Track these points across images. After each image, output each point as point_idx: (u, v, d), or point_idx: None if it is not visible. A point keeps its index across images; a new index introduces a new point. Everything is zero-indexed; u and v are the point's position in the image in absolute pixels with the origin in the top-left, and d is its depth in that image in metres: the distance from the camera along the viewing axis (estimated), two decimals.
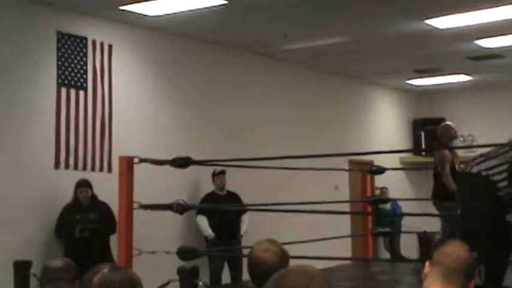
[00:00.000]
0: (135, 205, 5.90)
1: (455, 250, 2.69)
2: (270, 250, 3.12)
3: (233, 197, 8.54)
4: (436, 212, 7.40)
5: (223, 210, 8.23)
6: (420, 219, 12.92)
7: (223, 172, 8.48)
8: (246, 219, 8.53)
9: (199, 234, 8.43)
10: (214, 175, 8.53)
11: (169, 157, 6.15)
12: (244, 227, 8.49)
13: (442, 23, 8.73)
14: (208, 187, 8.65)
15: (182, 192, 7.89)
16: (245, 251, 8.71)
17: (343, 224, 11.11)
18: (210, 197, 8.47)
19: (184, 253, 5.61)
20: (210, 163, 7.12)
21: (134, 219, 5.99)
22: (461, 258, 2.63)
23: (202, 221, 8.36)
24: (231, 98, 9.78)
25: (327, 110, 11.72)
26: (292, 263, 2.31)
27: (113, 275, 2.04)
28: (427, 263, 2.68)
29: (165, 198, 6.20)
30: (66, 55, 7.52)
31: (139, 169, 6.12)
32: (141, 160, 6.02)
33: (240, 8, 7.86)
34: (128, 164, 5.98)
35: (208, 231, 8.30)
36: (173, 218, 7.24)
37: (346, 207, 11.59)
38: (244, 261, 8.11)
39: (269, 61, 10.45)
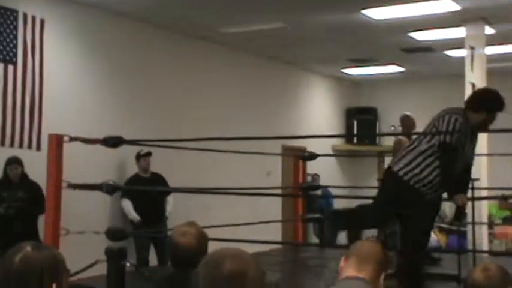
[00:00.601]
0: (64, 184, 5.77)
1: (367, 243, 2.94)
2: (187, 233, 3.14)
3: (158, 179, 8.43)
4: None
5: (149, 192, 8.14)
6: (349, 205, 13.15)
7: (148, 154, 8.37)
8: (171, 201, 8.46)
9: (126, 217, 8.34)
10: (140, 156, 8.40)
11: (100, 136, 6.03)
12: (169, 208, 8.42)
13: (378, 14, 8.86)
14: (134, 169, 8.55)
15: (109, 173, 7.77)
16: (171, 233, 8.70)
17: (274, 210, 11.21)
18: (134, 180, 8.36)
19: (112, 234, 5.53)
20: (141, 143, 7.03)
21: (64, 199, 5.87)
22: (372, 249, 2.85)
23: (127, 205, 8.27)
24: (165, 80, 9.69)
25: (261, 95, 11.76)
26: (221, 246, 2.31)
27: (36, 253, 1.97)
28: (342, 257, 2.85)
29: (91, 178, 6.09)
30: None
31: (69, 148, 5.99)
32: (72, 138, 5.88)
33: None
34: (57, 141, 5.83)
35: (133, 214, 8.21)
36: (101, 199, 7.14)
37: (278, 193, 11.70)
38: None
39: (206, 44, 10.39)
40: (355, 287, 2.70)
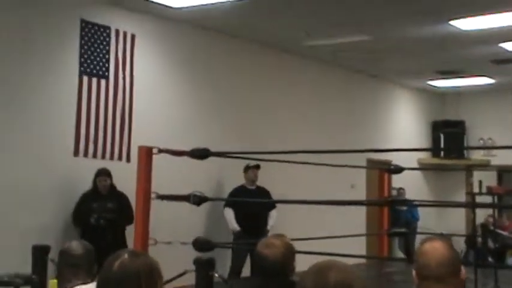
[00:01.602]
0: (153, 195, 5.92)
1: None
2: (272, 245, 3.15)
3: (263, 192, 8.51)
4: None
5: (251, 204, 8.24)
6: (437, 221, 12.88)
7: (257, 166, 8.47)
8: (274, 215, 8.52)
9: (227, 226, 8.48)
10: (248, 168, 8.52)
11: (188, 149, 6.16)
12: (271, 222, 8.47)
13: (466, 24, 8.66)
14: (232, 181, 8.68)
15: (205, 185, 7.88)
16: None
17: (359, 224, 11.10)
18: (239, 190, 8.48)
19: (199, 244, 5.62)
20: (228, 155, 7.13)
21: (157, 210, 6.02)
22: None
23: (229, 214, 8.40)
24: (251, 93, 9.79)
25: (347, 108, 11.69)
26: (310, 259, 2.31)
27: (133, 260, 2.06)
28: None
29: (187, 189, 6.19)
30: (89, 44, 7.56)
31: (159, 160, 6.14)
32: (160, 150, 6.03)
33: (263, 3, 7.85)
34: (146, 153, 6.00)
35: (233, 224, 8.33)
36: (201, 209, 7.24)
37: (362, 207, 11.57)
38: None
39: (291, 57, 10.44)
40: None
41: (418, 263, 2.50)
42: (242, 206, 8.30)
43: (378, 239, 11.53)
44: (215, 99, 9.21)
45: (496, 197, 7.93)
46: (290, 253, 3.20)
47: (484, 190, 8.66)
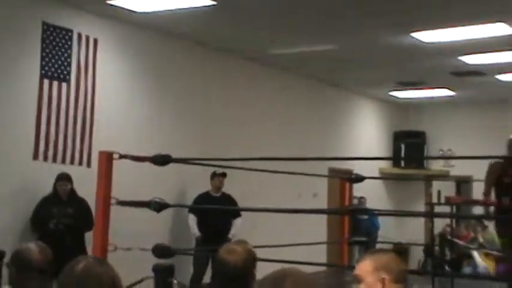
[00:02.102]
0: (113, 201, 5.85)
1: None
2: (234, 251, 3.15)
3: (227, 200, 8.50)
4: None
5: (215, 211, 8.23)
6: (396, 230, 13.02)
7: (223, 174, 8.47)
8: (238, 224, 8.50)
9: (187, 233, 8.46)
10: (214, 175, 8.52)
11: (151, 154, 6.11)
12: (233, 231, 8.44)
13: (428, 37, 8.80)
14: (194, 187, 8.65)
15: (166, 191, 7.83)
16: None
17: (320, 232, 11.15)
18: (203, 197, 8.47)
19: (159, 251, 5.57)
20: (190, 162, 7.10)
21: (121, 216, 5.96)
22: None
23: (191, 221, 8.41)
24: (217, 100, 9.78)
25: (310, 117, 11.76)
26: (271, 266, 2.31)
27: (98, 265, 2.05)
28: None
29: (149, 195, 6.14)
30: (50, 47, 7.47)
31: (120, 165, 6.08)
32: (121, 156, 5.97)
33: (228, 10, 7.86)
34: (107, 159, 5.92)
35: (195, 230, 8.34)
36: (164, 215, 7.20)
37: (324, 216, 11.64)
38: None
39: (255, 65, 10.47)
40: None
41: None
42: (205, 213, 8.29)
43: (338, 248, 11.58)
44: (178, 106, 9.18)
45: (454, 207, 8.05)
46: (251, 259, 3.20)
47: (442, 200, 8.78)
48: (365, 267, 2.60)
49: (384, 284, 2.55)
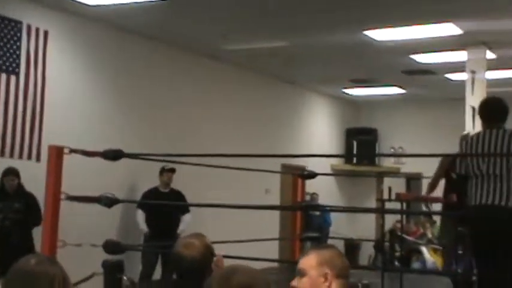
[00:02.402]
0: (62, 196, 5.76)
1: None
2: (191, 245, 3.11)
3: (176, 195, 8.45)
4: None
5: (163, 206, 8.16)
6: (348, 226, 13.16)
7: (172, 170, 8.40)
8: (187, 219, 8.47)
9: (137, 229, 8.38)
10: (163, 171, 8.45)
11: (102, 149, 6.03)
12: (182, 227, 8.41)
13: (380, 35, 8.91)
14: (145, 183, 8.57)
15: (117, 187, 7.74)
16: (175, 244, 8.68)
17: (272, 228, 11.19)
18: (152, 193, 8.39)
19: (110, 247, 5.50)
20: (141, 157, 7.04)
21: (68, 212, 5.86)
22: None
23: (139, 216, 8.34)
24: (167, 95, 9.71)
25: (263, 113, 11.78)
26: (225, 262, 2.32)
27: (49, 263, 2.05)
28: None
29: (101, 191, 6.07)
30: None
31: (70, 160, 5.99)
32: (72, 150, 5.88)
33: (180, 5, 7.81)
34: (57, 153, 5.82)
35: (142, 226, 8.26)
36: (112, 211, 7.11)
37: (276, 212, 11.69)
38: None
39: (208, 61, 10.43)
40: None
41: None
42: (154, 209, 8.22)
43: (290, 244, 11.65)
44: (130, 100, 9.09)
45: (404, 204, 8.14)
46: (209, 254, 3.16)
47: (393, 197, 8.90)
48: (309, 261, 2.62)
49: (327, 279, 2.57)
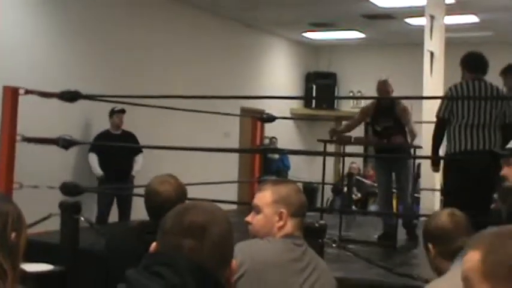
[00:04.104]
0: (18, 137, 5.68)
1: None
2: (166, 183, 3.13)
3: (128, 137, 8.37)
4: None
5: (114, 149, 8.09)
6: (307, 170, 13.31)
7: (122, 111, 8.30)
8: (140, 160, 8.42)
9: (92, 172, 8.31)
10: (113, 113, 8.34)
11: (57, 90, 5.93)
12: (136, 168, 8.38)
13: None
14: (100, 126, 8.48)
15: (73, 129, 7.66)
16: (135, 191, 8.67)
17: (231, 172, 11.25)
18: (104, 136, 8.30)
19: (67, 188, 5.48)
20: (99, 98, 6.95)
21: (24, 154, 5.80)
22: None
23: (93, 160, 8.26)
24: (126, 37, 9.54)
25: (222, 56, 11.69)
26: None
27: (2, 203, 2.00)
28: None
29: (54, 133, 6.00)
30: None
31: (26, 101, 5.88)
32: (27, 91, 5.78)
33: None
34: (12, 94, 5.73)
35: (97, 169, 8.21)
36: (66, 154, 7.06)
37: (235, 155, 11.75)
38: (134, 200, 8.11)
39: (167, 2, 10.25)
40: None
41: None
42: (106, 151, 8.15)
43: (249, 187, 11.75)
44: (86, 41, 8.89)
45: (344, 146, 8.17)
46: (183, 193, 3.17)
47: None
48: (264, 198, 2.56)
49: (281, 217, 2.52)
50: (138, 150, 8.39)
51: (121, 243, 3.16)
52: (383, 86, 6.78)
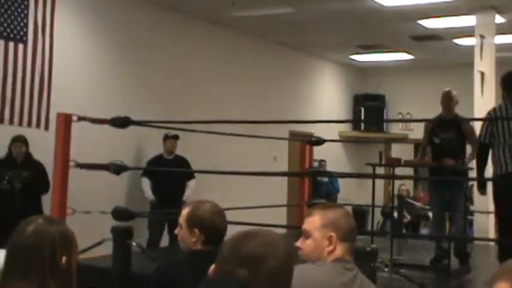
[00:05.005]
0: (71, 163, 5.79)
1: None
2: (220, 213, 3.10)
3: (180, 162, 8.45)
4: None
5: (168, 174, 8.19)
6: (356, 193, 13.19)
7: (175, 137, 8.41)
8: (192, 185, 8.49)
9: (143, 197, 8.42)
10: (167, 138, 8.45)
11: (110, 116, 6.05)
12: (187, 193, 8.45)
13: (387, 0, 8.82)
14: (151, 150, 8.60)
15: (124, 154, 7.78)
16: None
17: (280, 195, 11.24)
18: (156, 160, 8.41)
19: (119, 213, 5.55)
20: (148, 124, 7.05)
21: (75, 179, 5.91)
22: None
23: (145, 184, 8.37)
24: (176, 63, 9.69)
25: (270, 80, 11.74)
26: (232, 229, 2.28)
27: (48, 226, 2.02)
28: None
29: (106, 159, 6.10)
30: (6, 6, 7.27)
31: (79, 128, 6.01)
32: (80, 118, 5.89)
33: None
34: (65, 121, 5.84)
35: (148, 193, 8.30)
36: (118, 179, 7.17)
37: (284, 179, 11.73)
38: None
39: (216, 28, 10.38)
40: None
41: None
42: (159, 176, 8.24)
43: (298, 210, 11.70)
44: (138, 67, 9.07)
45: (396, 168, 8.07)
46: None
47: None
48: (313, 222, 2.53)
49: (331, 242, 2.49)
50: (191, 175, 8.47)
51: (175, 270, 3.16)
52: (446, 96, 6.70)
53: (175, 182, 8.34)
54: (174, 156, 8.52)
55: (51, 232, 2.00)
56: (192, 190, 8.47)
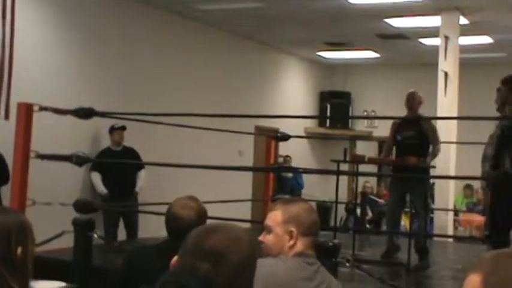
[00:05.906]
0: (32, 154, 5.70)
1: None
2: (187, 206, 3.11)
3: (130, 153, 8.33)
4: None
5: (118, 166, 8.07)
6: (320, 189, 13.26)
7: (122, 128, 8.30)
8: (142, 176, 8.40)
9: (95, 190, 8.31)
10: (113, 130, 8.32)
11: (71, 107, 5.97)
12: (140, 184, 8.37)
13: None
14: (108, 142, 8.51)
15: (82, 146, 7.68)
16: (140, 208, 8.67)
17: (245, 190, 11.23)
18: (105, 153, 8.30)
19: (81, 206, 5.48)
20: (113, 116, 6.98)
21: (32, 170, 5.81)
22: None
23: (95, 178, 8.24)
24: (141, 55, 9.60)
25: (236, 75, 11.72)
26: None
27: (2, 216, 1.98)
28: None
29: (64, 150, 6.03)
30: None
31: (38, 118, 5.91)
32: (42, 108, 5.81)
33: None
34: (26, 111, 5.76)
35: (100, 188, 8.18)
36: (70, 171, 7.08)
37: (249, 174, 11.73)
38: (140, 217, 8.11)
39: (182, 20, 10.31)
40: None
41: None
42: (108, 169, 8.13)
43: (262, 205, 11.72)
44: (101, 58, 8.95)
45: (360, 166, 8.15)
46: (205, 216, 3.17)
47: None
48: (275, 217, 2.55)
49: (292, 236, 2.51)
50: (140, 165, 8.37)
51: (144, 259, 3.13)
52: (410, 97, 6.87)
53: (126, 174, 8.24)
54: (122, 147, 8.39)
55: (6, 222, 1.96)
56: (143, 180, 8.40)
